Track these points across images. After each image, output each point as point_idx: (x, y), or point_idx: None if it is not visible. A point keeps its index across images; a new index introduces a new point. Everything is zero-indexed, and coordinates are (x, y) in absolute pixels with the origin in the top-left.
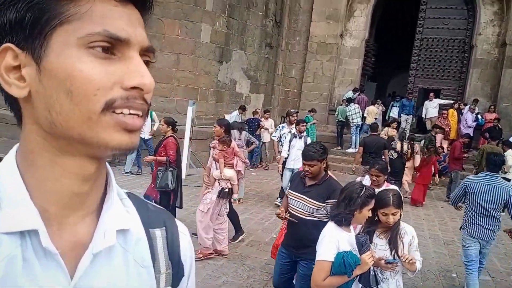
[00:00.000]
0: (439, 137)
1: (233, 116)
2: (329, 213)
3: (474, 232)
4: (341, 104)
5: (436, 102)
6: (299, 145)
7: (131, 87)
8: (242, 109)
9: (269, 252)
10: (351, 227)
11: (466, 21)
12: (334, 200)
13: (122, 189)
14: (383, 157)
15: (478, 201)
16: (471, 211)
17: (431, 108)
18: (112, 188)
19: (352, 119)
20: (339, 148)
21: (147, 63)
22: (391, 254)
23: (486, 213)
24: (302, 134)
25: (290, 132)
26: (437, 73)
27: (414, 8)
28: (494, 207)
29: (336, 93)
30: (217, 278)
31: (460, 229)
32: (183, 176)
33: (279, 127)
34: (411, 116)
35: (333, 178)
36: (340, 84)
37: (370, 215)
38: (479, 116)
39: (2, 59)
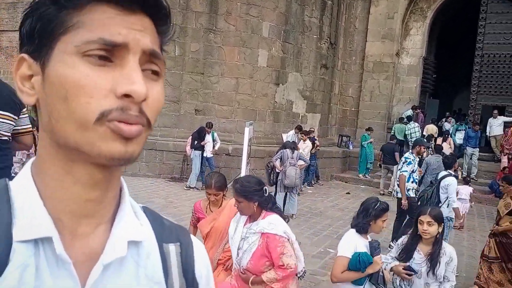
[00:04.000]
0: (505, 158)
1: (289, 135)
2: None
3: None
4: (398, 122)
5: (501, 119)
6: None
7: (123, 94)
8: (298, 128)
9: (315, 264)
10: (368, 236)
11: None
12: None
13: (138, 203)
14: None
15: None
16: None
17: (495, 126)
18: (125, 200)
19: (411, 138)
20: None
21: (155, 72)
22: (427, 270)
23: None
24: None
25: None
26: (500, 89)
27: (473, 24)
28: None
29: (394, 111)
30: None
31: None
32: None
33: (408, 158)
34: (477, 148)
35: None
36: (398, 102)
37: (385, 225)
38: None
39: (18, 69)
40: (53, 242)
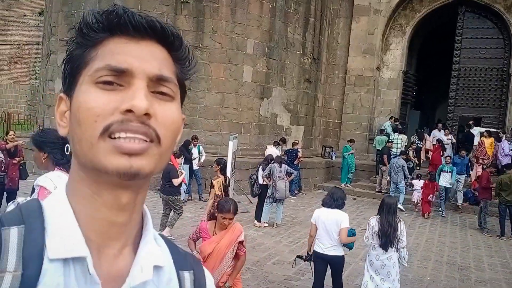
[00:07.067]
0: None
1: (273, 148)
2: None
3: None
4: (379, 134)
5: (477, 130)
6: None
7: (125, 110)
8: (283, 141)
9: (289, 270)
10: None
11: (503, 50)
12: None
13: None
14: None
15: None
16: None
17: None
18: (149, 225)
19: (398, 148)
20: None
21: (165, 94)
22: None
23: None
24: None
25: None
26: (476, 101)
27: (451, 39)
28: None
29: (376, 123)
30: None
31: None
32: None
33: None
34: (464, 175)
35: None
36: (379, 114)
37: None
38: None
39: (58, 106)
40: (86, 262)
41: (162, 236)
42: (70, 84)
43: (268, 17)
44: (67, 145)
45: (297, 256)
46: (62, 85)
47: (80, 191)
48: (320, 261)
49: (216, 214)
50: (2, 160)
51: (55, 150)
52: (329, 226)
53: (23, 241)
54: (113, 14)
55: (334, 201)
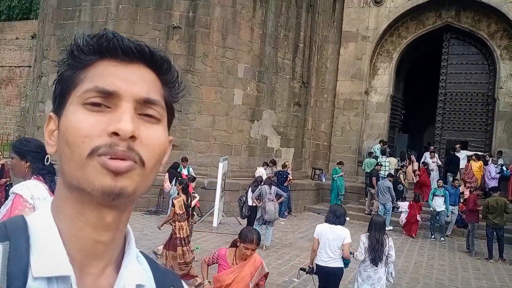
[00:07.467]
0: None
1: (261, 170)
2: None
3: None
4: (368, 157)
5: (464, 153)
6: None
7: (111, 132)
8: (272, 162)
9: None
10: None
11: (487, 75)
12: None
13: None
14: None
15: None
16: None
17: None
18: (131, 244)
19: (385, 170)
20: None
21: (151, 116)
22: None
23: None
24: None
25: None
26: (463, 125)
27: (437, 64)
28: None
29: (365, 146)
30: None
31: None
32: (215, 225)
33: None
34: (457, 206)
35: None
36: (368, 137)
37: None
38: (504, 168)
39: (48, 125)
40: (70, 281)
41: (144, 254)
42: (59, 104)
43: (259, 42)
44: (48, 156)
45: (300, 269)
46: (52, 104)
47: (64, 209)
48: (323, 274)
49: (238, 244)
50: None
51: (37, 159)
52: (332, 241)
53: (8, 258)
54: (103, 38)
55: (337, 218)
